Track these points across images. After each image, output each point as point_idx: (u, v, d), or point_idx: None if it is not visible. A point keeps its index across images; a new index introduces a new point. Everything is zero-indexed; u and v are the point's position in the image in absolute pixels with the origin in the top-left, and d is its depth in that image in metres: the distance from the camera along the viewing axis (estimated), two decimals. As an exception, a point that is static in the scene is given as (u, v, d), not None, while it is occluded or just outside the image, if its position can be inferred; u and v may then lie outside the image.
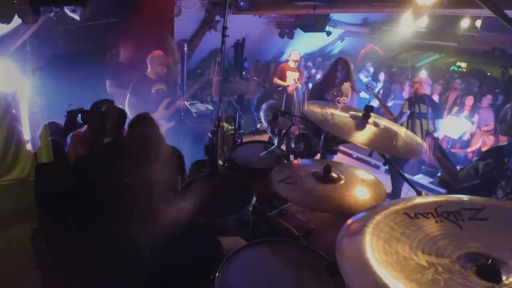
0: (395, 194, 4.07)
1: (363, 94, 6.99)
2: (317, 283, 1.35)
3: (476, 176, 2.18)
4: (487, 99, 6.22)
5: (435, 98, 6.78)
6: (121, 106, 2.52)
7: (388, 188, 3.95)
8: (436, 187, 5.01)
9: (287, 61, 6.16)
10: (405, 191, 3.99)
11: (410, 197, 1.11)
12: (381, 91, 7.83)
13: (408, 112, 4.04)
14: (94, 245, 1.53)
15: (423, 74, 7.44)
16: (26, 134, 3.81)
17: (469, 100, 6.25)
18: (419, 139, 1.88)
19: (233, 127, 3.65)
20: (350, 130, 1.75)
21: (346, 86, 3.68)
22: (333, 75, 3.81)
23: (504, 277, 0.77)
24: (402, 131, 1.89)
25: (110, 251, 1.49)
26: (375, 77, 8.26)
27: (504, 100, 6.43)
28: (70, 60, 3.52)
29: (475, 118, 6.11)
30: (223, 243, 1.65)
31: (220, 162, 3.06)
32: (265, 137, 3.00)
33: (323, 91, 3.81)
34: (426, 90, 4.10)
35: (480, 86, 7.58)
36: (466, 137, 6.04)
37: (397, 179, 3.99)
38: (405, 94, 6.62)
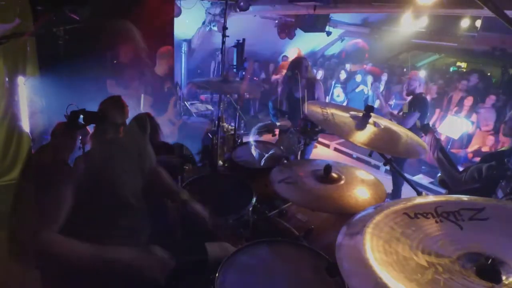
0: (396, 194, 4.07)
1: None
2: (317, 283, 1.35)
3: (480, 179, 2.18)
4: (491, 100, 6.20)
5: (435, 98, 6.79)
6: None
7: (388, 188, 3.95)
8: (436, 187, 5.02)
9: (287, 58, 6.16)
10: (405, 191, 3.99)
11: (410, 197, 1.11)
12: (383, 92, 7.83)
13: (418, 113, 3.90)
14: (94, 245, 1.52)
15: (422, 73, 7.42)
16: (27, 135, 3.81)
17: (468, 101, 6.24)
18: (419, 139, 1.88)
19: (233, 127, 3.66)
20: (350, 130, 1.75)
21: None
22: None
23: (504, 277, 0.77)
24: (402, 131, 1.89)
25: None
26: (377, 78, 8.25)
27: (505, 100, 6.42)
28: (70, 60, 3.51)
29: (474, 118, 6.10)
30: (208, 249, 1.61)
31: (220, 162, 3.06)
32: (265, 137, 3.00)
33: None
34: (415, 86, 4.00)
35: (482, 86, 7.55)
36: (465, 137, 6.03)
37: (398, 179, 3.99)
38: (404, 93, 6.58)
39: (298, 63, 3.75)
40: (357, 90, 7.44)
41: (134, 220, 1.58)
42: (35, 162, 1.46)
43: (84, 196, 1.42)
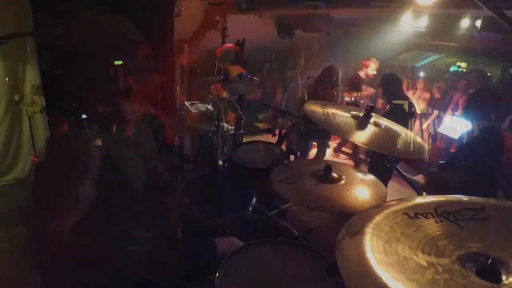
0: None
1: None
2: (317, 283, 1.35)
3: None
4: None
5: (437, 97, 6.77)
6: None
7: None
8: (436, 187, 5.00)
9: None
10: (405, 191, 3.97)
11: (410, 197, 1.11)
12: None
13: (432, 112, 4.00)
14: (94, 245, 1.52)
15: (421, 74, 7.40)
16: (27, 135, 3.81)
17: (462, 100, 6.23)
18: (419, 139, 1.88)
19: (233, 127, 3.66)
20: (350, 130, 1.75)
21: None
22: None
23: (504, 277, 0.77)
24: (403, 131, 1.89)
25: (110, 250, 1.49)
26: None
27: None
28: (70, 60, 3.52)
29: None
30: (217, 245, 1.63)
31: (220, 162, 3.06)
32: (265, 137, 3.00)
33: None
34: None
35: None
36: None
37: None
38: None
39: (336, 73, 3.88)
40: None
41: (143, 216, 1.58)
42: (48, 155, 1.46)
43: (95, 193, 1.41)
